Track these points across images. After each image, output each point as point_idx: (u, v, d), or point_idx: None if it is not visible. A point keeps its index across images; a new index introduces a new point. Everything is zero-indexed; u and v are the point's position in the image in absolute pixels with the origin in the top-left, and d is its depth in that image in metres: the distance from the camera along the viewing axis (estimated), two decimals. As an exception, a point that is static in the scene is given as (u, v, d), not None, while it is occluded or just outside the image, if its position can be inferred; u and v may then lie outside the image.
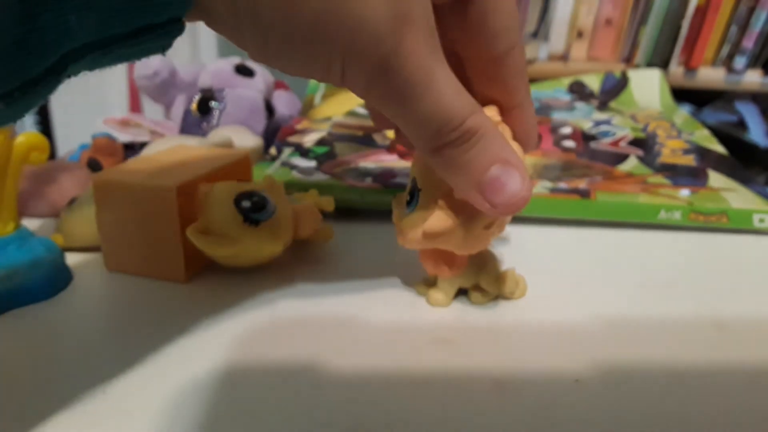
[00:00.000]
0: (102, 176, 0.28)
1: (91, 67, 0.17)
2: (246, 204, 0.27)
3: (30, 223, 0.34)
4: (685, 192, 0.37)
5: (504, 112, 0.24)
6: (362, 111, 0.50)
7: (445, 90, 0.19)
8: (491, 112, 0.24)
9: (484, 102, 0.24)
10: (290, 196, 0.32)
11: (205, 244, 0.26)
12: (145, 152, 0.40)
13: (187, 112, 0.47)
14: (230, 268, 0.29)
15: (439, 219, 0.23)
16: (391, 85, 0.19)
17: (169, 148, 0.34)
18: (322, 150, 0.42)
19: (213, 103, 0.46)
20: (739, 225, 0.35)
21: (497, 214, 0.21)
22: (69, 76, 0.17)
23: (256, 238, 0.27)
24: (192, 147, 0.35)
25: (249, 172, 0.33)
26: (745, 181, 0.39)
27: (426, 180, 0.24)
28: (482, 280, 0.26)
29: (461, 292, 0.27)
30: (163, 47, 0.18)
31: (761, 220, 0.35)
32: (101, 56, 0.17)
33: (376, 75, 0.19)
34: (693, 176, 0.40)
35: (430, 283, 0.28)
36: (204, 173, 0.29)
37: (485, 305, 0.27)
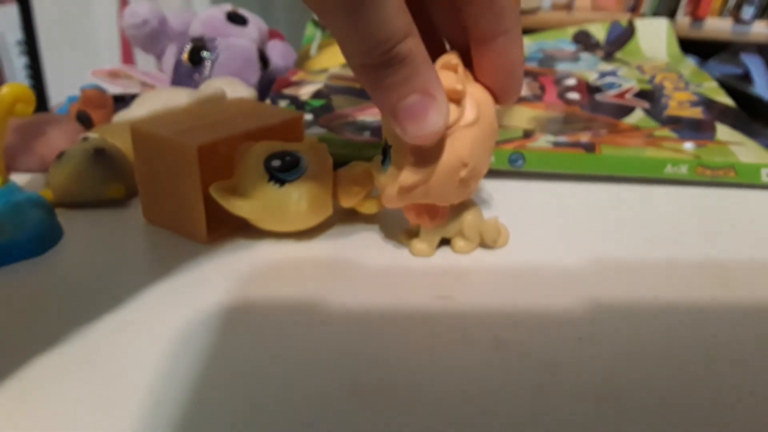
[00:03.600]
0: (138, 125, 0.28)
1: None
2: (276, 163, 0.26)
3: (18, 178, 0.33)
4: (690, 145, 0.36)
5: (487, 41, 0.23)
6: (360, 62, 0.49)
7: (385, 7, 0.19)
8: (451, 56, 0.23)
9: (464, 28, 0.23)
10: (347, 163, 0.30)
11: (225, 199, 0.26)
12: (135, 104, 0.39)
13: (178, 63, 0.45)
14: (262, 234, 0.28)
15: (409, 174, 0.23)
16: None
17: (235, 98, 0.34)
18: (318, 103, 0.41)
19: (205, 53, 0.45)
20: (746, 179, 0.34)
21: (410, 140, 0.22)
22: None
23: (279, 197, 0.26)
24: (254, 102, 0.34)
25: (300, 134, 0.31)
26: (753, 134, 0.38)
27: (395, 136, 0.23)
28: (465, 228, 0.27)
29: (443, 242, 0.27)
30: None
31: (769, 175, 0.34)
32: None
33: None
34: (700, 129, 0.39)
35: (413, 233, 0.27)
36: (241, 132, 0.27)
37: (482, 258, 0.26)
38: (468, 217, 0.27)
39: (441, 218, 0.26)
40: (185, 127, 0.27)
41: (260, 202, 0.26)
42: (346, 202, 0.28)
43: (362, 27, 0.19)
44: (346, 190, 0.27)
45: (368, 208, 0.29)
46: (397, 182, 0.24)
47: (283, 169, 0.26)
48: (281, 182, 0.26)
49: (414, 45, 0.20)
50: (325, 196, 0.27)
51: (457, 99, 0.23)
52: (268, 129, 0.28)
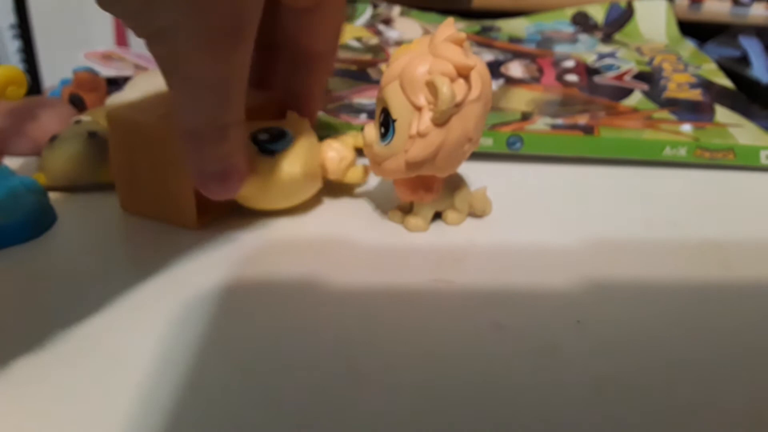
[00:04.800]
0: (115, 111, 0.27)
1: None
2: (263, 136, 0.26)
3: (11, 162, 0.33)
4: (688, 127, 0.36)
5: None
6: (356, 44, 0.48)
7: (236, 93, 0.22)
8: (457, 31, 0.24)
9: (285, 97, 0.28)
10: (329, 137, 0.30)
11: None
12: (128, 87, 0.38)
13: (172, 45, 0.45)
14: (252, 216, 0.27)
15: (419, 149, 0.23)
16: None
17: None
18: (314, 85, 0.40)
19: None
20: (745, 162, 0.34)
21: (210, 196, 0.24)
22: None
23: (271, 166, 0.26)
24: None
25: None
26: (752, 116, 0.38)
27: (403, 110, 0.23)
28: (457, 200, 0.27)
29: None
30: None
31: (768, 157, 0.34)
32: None
33: None
34: (699, 111, 0.38)
35: (406, 209, 0.27)
36: None
37: (480, 240, 0.26)
38: (459, 189, 0.27)
39: (436, 192, 0.26)
40: (167, 111, 0.26)
41: (252, 176, 0.25)
42: (333, 174, 0.28)
43: (209, 101, 0.21)
44: (332, 161, 0.27)
45: (353, 177, 0.29)
46: (406, 156, 0.23)
47: (271, 141, 0.26)
48: (271, 152, 0.26)
49: (239, 130, 0.23)
50: (315, 164, 0.27)
51: (466, 74, 0.23)
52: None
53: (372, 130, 0.25)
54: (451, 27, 0.24)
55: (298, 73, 0.27)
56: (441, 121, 0.23)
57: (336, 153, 0.27)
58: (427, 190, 0.26)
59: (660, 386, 0.19)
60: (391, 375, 0.19)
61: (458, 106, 0.23)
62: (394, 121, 0.24)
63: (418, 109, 0.23)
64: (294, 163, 0.26)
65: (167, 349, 0.20)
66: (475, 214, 0.28)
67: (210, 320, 0.21)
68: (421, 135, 0.23)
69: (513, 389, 0.18)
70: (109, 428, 0.17)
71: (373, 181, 0.31)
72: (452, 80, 0.22)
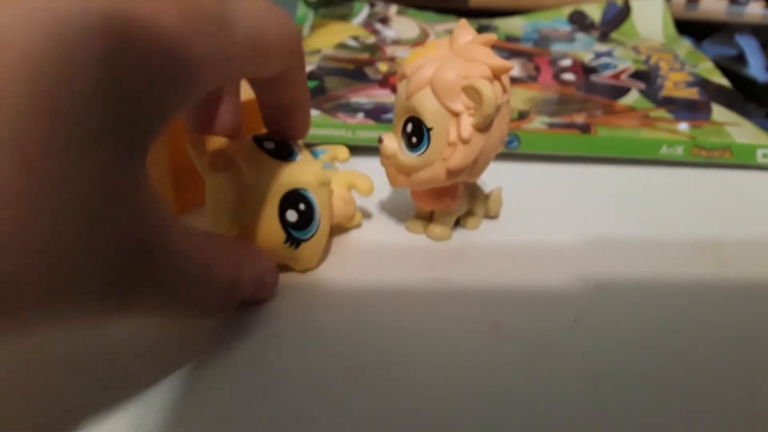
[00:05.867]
0: None
1: None
2: (292, 217, 0.22)
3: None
4: (684, 126, 0.36)
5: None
6: (353, 43, 0.48)
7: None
8: (489, 34, 0.23)
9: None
10: (311, 149, 0.27)
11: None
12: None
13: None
14: None
15: (461, 156, 0.22)
16: None
17: None
18: (311, 84, 0.40)
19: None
20: (742, 160, 0.34)
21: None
22: None
23: (291, 255, 0.23)
24: None
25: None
26: (748, 114, 0.38)
27: (439, 118, 0.22)
28: (475, 204, 0.27)
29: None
30: None
31: (765, 155, 0.34)
32: None
33: None
34: (696, 110, 0.38)
35: (424, 219, 0.27)
36: None
37: (477, 239, 0.26)
38: (476, 192, 0.27)
39: (461, 198, 0.26)
40: None
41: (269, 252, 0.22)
42: (339, 220, 0.25)
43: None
44: (339, 210, 0.25)
45: (357, 222, 0.27)
46: (447, 164, 0.23)
47: (299, 226, 0.22)
48: (297, 243, 0.22)
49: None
50: (325, 240, 0.24)
51: (499, 75, 0.22)
52: (243, 103, 0.27)
53: (393, 142, 0.24)
54: (467, 28, 0.23)
55: (276, 120, 0.23)
56: (484, 125, 0.22)
57: (343, 203, 0.25)
58: (452, 197, 0.25)
59: (657, 385, 0.19)
60: (388, 374, 0.19)
61: (498, 108, 0.22)
62: (429, 129, 0.23)
63: (456, 115, 0.22)
64: (313, 256, 0.23)
65: (161, 347, 0.19)
66: (488, 215, 0.28)
67: (206, 322, 0.21)
68: (464, 141, 0.22)
69: (510, 388, 0.18)
70: (105, 424, 0.17)
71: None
72: (490, 83, 0.22)
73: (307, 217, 0.22)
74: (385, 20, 0.53)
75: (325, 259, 0.25)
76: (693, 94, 0.41)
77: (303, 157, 0.23)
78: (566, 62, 0.46)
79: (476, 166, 0.23)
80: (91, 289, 0.14)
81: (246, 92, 0.25)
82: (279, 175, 0.21)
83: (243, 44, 0.17)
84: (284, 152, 0.22)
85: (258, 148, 0.22)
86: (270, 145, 0.22)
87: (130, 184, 0.14)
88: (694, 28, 0.60)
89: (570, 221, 0.28)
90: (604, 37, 0.52)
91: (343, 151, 0.27)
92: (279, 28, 0.18)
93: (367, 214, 0.28)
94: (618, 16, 0.55)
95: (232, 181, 0.21)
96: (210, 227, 0.23)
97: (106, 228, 0.14)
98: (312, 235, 0.23)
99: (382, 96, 0.39)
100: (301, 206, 0.22)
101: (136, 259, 0.15)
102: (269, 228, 0.21)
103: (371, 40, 0.49)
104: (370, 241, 0.26)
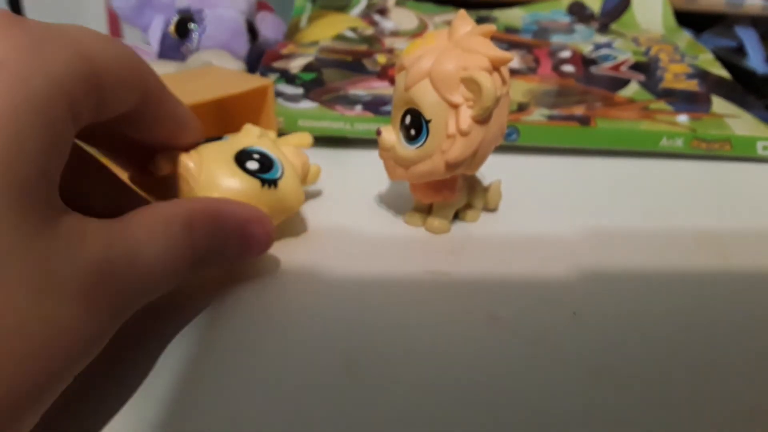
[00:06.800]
0: None
1: None
2: (252, 166, 0.23)
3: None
4: (684, 118, 0.36)
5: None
6: (351, 35, 0.48)
7: None
8: (489, 25, 0.23)
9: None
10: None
11: None
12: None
13: (165, 35, 0.44)
14: None
15: (461, 148, 0.22)
16: None
17: (203, 68, 0.32)
18: (309, 76, 0.40)
19: (192, 25, 0.43)
20: (742, 153, 0.34)
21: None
22: None
23: (278, 196, 0.23)
24: (222, 70, 0.31)
25: (270, 102, 0.29)
26: (748, 106, 0.38)
27: (438, 110, 0.22)
28: (474, 197, 0.27)
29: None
30: None
31: (765, 148, 0.34)
32: None
33: None
34: (696, 102, 0.38)
35: (423, 212, 0.27)
36: (198, 101, 0.26)
37: (476, 232, 0.26)
38: (474, 185, 0.27)
39: (460, 190, 0.26)
40: None
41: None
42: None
43: None
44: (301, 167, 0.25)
45: (314, 179, 0.27)
46: (446, 157, 0.22)
47: (265, 170, 0.23)
48: (274, 183, 0.23)
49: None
50: (299, 179, 0.25)
51: (498, 67, 0.22)
52: (231, 98, 0.27)
53: (391, 134, 0.24)
54: (467, 19, 0.23)
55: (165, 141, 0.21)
56: (483, 117, 0.22)
57: (293, 153, 0.25)
58: (451, 189, 0.25)
59: (656, 378, 0.18)
60: (386, 367, 0.19)
61: (498, 100, 0.22)
62: (428, 121, 0.22)
63: (455, 107, 0.22)
64: (296, 185, 0.24)
65: (159, 341, 0.19)
66: (487, 208, 0.28)
67: (202, 311, 0.21)
68: (463, 134, 0.22)
69: (508, 381, 0.18)
70: (101, 412, 0.16)
71: (366, 173, 0.31)
72: (489, 74, 0.22)
73: (267, 161, 0.23)
74: (383, 11, 0.52)
75: (324, 251, 0.25)
76: (693, 85, 0.41)
77: (231, 137, 0.24)
78: (566, 54, 0.45)
79: (475, 158, 0.23)
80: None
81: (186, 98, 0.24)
82: (221, 148, 0.23)
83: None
84: (216, 139, 0.23)
85: (234, 165, 0.22)
86: (253, 165, 0.23)
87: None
88: (693, 20, 0.59)
89: (569, 214, 0.28)
90: (603, 29, 0.52)
91: (305, 138, 0.27)
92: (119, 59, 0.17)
93: (365, 208, 0.28)
94: (618, 7, 0.55)
95: (184, 177, 0.22)
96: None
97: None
98: (282, 174, 0.23)
99: (381, 88, 0.39)
100: (256, 156, 0.23)
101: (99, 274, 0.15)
102: (241, 182, 0.22)
103: (369, 31, 0.49)
104: (368, 235, 0.26)
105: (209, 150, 0.22)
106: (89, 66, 0.15)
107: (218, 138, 0.24)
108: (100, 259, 0.15)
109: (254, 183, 0.22)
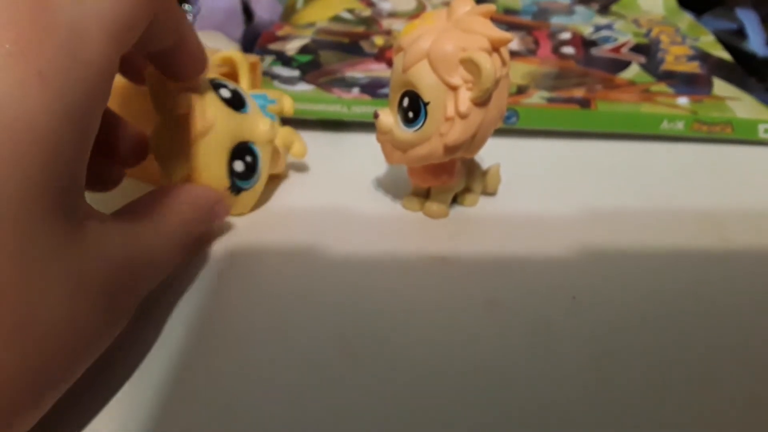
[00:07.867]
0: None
1: None
2: (239, 167, 0.24)
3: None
4: (684, 100, 0.35)
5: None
6: (348, 16, 0.47)
7: None
8: (489, 5, 0.22)
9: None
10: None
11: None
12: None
13: (158, 17, 0.43)
14: None
15: (460, 131, 0.22)
16: None
17: None
18: (305, 58, 0.39)
19: (186, 6, 0.43)
20: (743, 135, 0.34)
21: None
22: None
23: (247, 195, 0.25)
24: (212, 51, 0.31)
25: (257, 80, 0.30)
26: (749, 89, 0.37)
27: (435, 91, 0.22)
28: (473, 181, 0.26)
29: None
30: None
31: (766, 131, 0.34)
32: None
33: None
34: (697, 84, 0.38)
35: (421, 196, 0.26)
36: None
37: (476, 216, 0.26)
38: (473, 169, 0.26)
39: (459, 174, 0.25)
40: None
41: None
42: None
43: None
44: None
45: (299, 153, 0.28)
46: (444, 140, 0.22)
47: (244, 177, 0.24)
48: (238, 191, 0.24)
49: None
50: (261, 190, 0.26)
51: (499, 48, 0.22)
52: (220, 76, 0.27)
53: (389, 117, 0.23)
54: (491, 6, 0.22)
55: (168, 63, 0.22)
56: (483, 99, 0.21)
57: (278, 156, 0.26)
58: (450, 173, 0.25)
59: (656, 361, 0.18)
60: (385, 351, 0.18)
61: (497, 82, 0.21)
62: (426, 104, 0.22)
63: (454, 89, 0.21)
64: (258, 190, 0.25)
65: (158, 324, 0.19)
66: (486, 191, 0.27)
67: (201, 292, 0.21)
68: (462, 116, 0.21)
69: (507, 365, 0.18)
70: (97, 400, 0.16)
71: (363, 157, 0.31)
72: (489, 55, 0.21)
73: (252, 169, 0.24)
74: (380, -8, 0.51)
75: (321, 236, 0.24)
76: (694, 68, 0.40)
77: (252, 109, 0.24)
78: (566, 35, 0.45)
79: (474, 141, 0.23)
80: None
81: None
82: (232, 125, 0.23)
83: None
84: (238, 102, 0.24)
85: (215, 95, 0.23)
86: (227, 93, 0.24)
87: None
88: (694, 1, 0.59)
89: (569, 198, 0.28)
90: (604, 10, 0.51)
91: (288, 103, 0.28)
92: None
93: (362, 192, 0.28)
94: (618, -12, 0.54)
95: (188, 126, 0.22)
96: (157, 168, 0.23)
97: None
98: (252, 186, 0.24)
99: (378, 70, 0.38)
100: (248, 158, 0.24)
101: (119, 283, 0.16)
102: (216, 175, 0.23)
103: (367, 12, 0.48)
104: (366, 219, 0.26)
105: (222, 120, 0.23)
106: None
107: None
108: (120, 257, 0.16)
109: (225, 183, 0.23)
